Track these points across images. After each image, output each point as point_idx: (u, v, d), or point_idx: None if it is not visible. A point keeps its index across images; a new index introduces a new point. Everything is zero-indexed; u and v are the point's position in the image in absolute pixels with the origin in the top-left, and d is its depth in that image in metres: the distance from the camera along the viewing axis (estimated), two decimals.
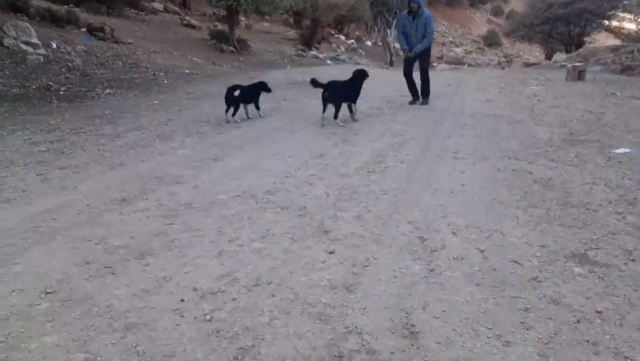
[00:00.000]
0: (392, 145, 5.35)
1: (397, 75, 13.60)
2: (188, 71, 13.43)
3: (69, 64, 11.65)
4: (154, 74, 12.58)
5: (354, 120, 6.66)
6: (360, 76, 6.70)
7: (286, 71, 15.22)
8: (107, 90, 9.71)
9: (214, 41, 18.70)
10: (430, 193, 3.81)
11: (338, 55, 23.74)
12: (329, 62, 20.99)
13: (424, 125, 6.42)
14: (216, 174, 4.28)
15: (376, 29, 25.88)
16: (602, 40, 28.56)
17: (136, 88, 10.56)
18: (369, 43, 33.03)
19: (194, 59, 15.91)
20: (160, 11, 23.56)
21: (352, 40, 32.12)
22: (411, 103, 8.17)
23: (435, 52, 40.04)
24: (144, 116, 7.10)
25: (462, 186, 3.98)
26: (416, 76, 8.15)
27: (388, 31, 23.22)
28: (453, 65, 31.74)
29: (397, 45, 35.87)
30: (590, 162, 4.64)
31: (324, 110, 6.41)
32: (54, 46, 12.64)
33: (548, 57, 27.14)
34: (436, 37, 50.25)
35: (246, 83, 11.76)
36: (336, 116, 6.40)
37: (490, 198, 3.70)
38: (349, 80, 6.72)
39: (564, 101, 8.07)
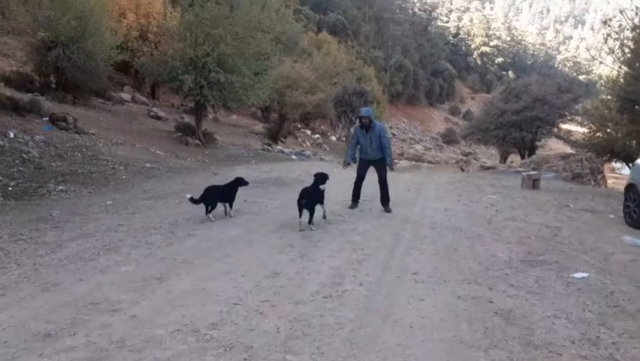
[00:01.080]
0: (351, 261, 5.17)
1: None
2: (149, 165, 13.26)
3: (24, 155, 11.31)
4: (113, 167, 12.34)
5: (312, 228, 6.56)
6: (322, 179, 7.22)
7: (250, 166, 15.28)
8: (60, 186, 9.35)
9: (179, 134, 18.83)
10: (389, 328, 3.58)
11: (303, 150, 24.28)
12: (294, 157, 21.37)
13: (384, 237, 6.32)
14: (159, 299, 3.94)
15: (340, 126, 26.88)
16: (553, 145, 30.49)
17: (92, 184, 10.23)
18: (334, 138, 34.18)
19: (158, 151, 15.83)
20: (127, 101, 23.85)
21: (318, 135, 33.17)
22: (351, 207, 8.27)
23: (396, 148, 41.77)
24: (94, 219, 6.75)
25: (422, 318, 3.77)
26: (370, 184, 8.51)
27: (352, 129, 24.05)
28: (413, 162, 32.92)
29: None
30: (549, 288, 4.56)
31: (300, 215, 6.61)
32: (11, 135, 12.35)
33: (503, 159, 28.59)
34: (396, 133, 52.89)
35: (208, 180, 11.78)
36: (310, 221, 6.61)
37: (450, 335, 3.50)
38: (313, 184, 7.14)
39: (521, 213, 8.23)
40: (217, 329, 3.44)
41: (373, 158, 8.08)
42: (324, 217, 7.11)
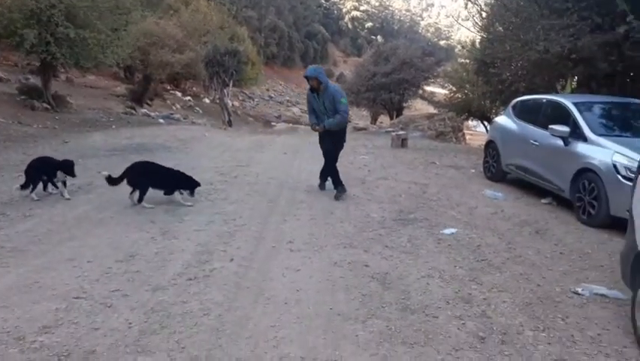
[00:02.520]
0: (222, 235, 4.71)
1: (235, 140, 13.20)
2: None
3: None
4: None
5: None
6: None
7: (110, 132, 13.74)
8: None
9: (24, 97, 16.30)
10: (261, 307, 3.23)
11: (172, 113, 22.69)
12: (161, 120, 19.81)
13: (259, 205, 5.94)
14: None
15: (213, 87, 25.53)
16: (418, 106, 32.37)
17: None
18: (207, 100, 32.58)
19: None
20: None
21: (189, 98, 31.33)
22: (319, 187, 6.90)
23: (273, 111, 41.32)
24: None
25: (297, 292, 3.49)
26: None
27: (225, 91, 23.01)
28: (290, 125, 32.85)
29: (236, 104, 36.12)
30: (422, 247, 4.57)
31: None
32: None
33: (374, 120, 29.68)
34: (273, 96, 52.28)
35: (56, 149, 10.29)
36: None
37: (327, 308, 3.26)
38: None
39: (392, 172, 8.38)
40: (50, 332, 2.78)
41: (331, 124, 6.40)
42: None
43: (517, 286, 3.77)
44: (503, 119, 8.54)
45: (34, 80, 18.29)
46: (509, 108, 8.48)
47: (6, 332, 2.78)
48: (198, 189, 6.07)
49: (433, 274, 3.92)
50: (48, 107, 16.28)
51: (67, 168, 5.89)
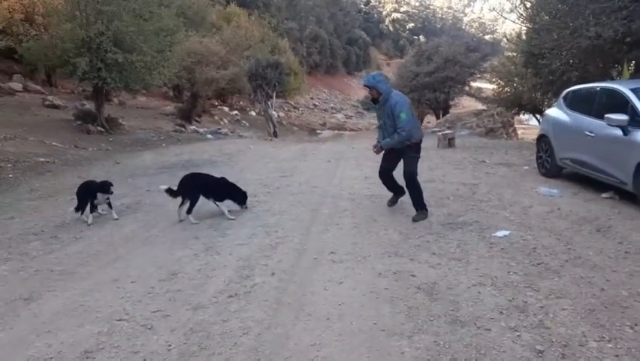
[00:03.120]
0: (263, 248, 4.65)
1: (279, 151, 13.27)
2: (42, 160, 11.86)
3: None
4: None
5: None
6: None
7: (160, 151, 14.18)
8: None
9: (80, 122, 17.15)
10: (302, 324, 3.11)
11: (220, 128, 23.21)
12: (210, 136, 20.30)
13: (302, 215, 5.85)
14: (22, 326, 3.21)
15: (258, 101, 25.94)
16: (465, 103, 31.50)
17: None
18: (253, 113, 33.17)
19: (54, 143, 14.26)
20: (18, 91, 21.42)
21: (236, 112, 31.98)
22: (391, 203, 6.05)
23: (318, 119, 41.43)
24: None
25: (340, 306, 3.35)
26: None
27: (269, 103, 23.27)
28: (336, 131, 32.84)
29: (281, 114, 36.53)
30: (472, 252, 4.31)
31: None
32: None
33: (420, 120, 29.13)
34: (317, 104, 52.50)
35: (109, 170, 10.69)
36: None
37: (371, 323, 3.10)
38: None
39: (439, 173, 8.09)
40: (91, 357, 2.79)
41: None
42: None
43: (578, 292, 3.45)
44: (555, 112, 8.06)
45: (89, 105, 19.20)
46: (560, 99, 7.99)
47: (49, 358, 2.81)
48: None
49: (485, 282, 3.67)
50: (102, 130, 17.04)
51: (104, 188, 5.99)
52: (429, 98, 25.43)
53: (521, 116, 22.09)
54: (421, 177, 7.75)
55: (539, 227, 4.99)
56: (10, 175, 10.06)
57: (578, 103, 7.35)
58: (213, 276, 3.99)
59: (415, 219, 5.38)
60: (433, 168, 8.67)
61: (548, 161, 7.64)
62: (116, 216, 6.04)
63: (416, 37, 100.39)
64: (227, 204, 5.93)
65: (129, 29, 15.40)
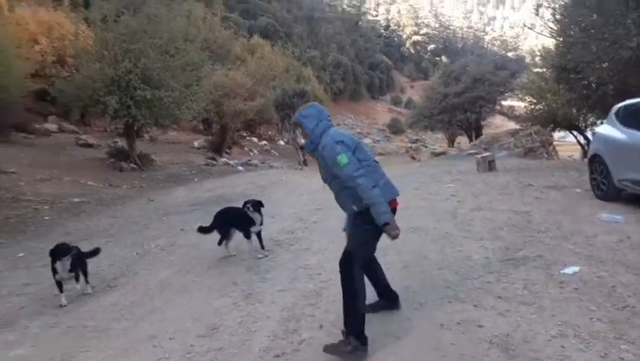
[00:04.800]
0: (307, 294, 4.29)
1: (311, 181, 12.97)
2: (77, 200, 11.89)
3: None
4: (36, 208, 10.94)
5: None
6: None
7: (192, 186, 14.10)
8: None
9: (113, 160, 17.36)
10: None
11: (250, 160, 23.21)
12: (240, 168, 20.26)
13: None
14: None
15: (286, 130, 26.01)
16: (498, 122, 30.82)
17: (7, 232, 8.88)
18: (282, 142, 33.24)
19: (89, 182, 14.39)
20: (54, 132, 21.97)
21: (265, 142, 32.12)
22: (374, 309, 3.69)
23: None
24: None
25: None
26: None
27: (297, 131, 23.13)
28: None
29: None
30: (543, 294, 3.84)
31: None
32: None
33: (451, 142, 28.58)
34: (359, 131, 52.67)
35: (143, 208, 10.58)
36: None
37: None
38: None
39: (485, 200, 7.61)
40: None
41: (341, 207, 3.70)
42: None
43: None
44: (607, 129, 7.53)
45: (122, 143, 19.47)
46: (612, 115, 7.46)
47: None
48: (281, 237, 5.87)
49: (566, 332, 3.20)
50: (135, 166, 17.19)
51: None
52: (460, 118, 24.94)
53: (557, 133, 21.38)
54: (467, 205, 7.34)
55: (612, 260, 4.48)
56: (47, 217, 10.07)
57: (632, 118, 6.82)
58: (256, 330, 3.65)
59: (325, 349, 3.16)
60: (478, 194, 8.18)
61: (604, 183, 7.08)
62: (264, 254, 5.65)
63: (438, 58, 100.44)
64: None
65: (156, 65, 15.65)
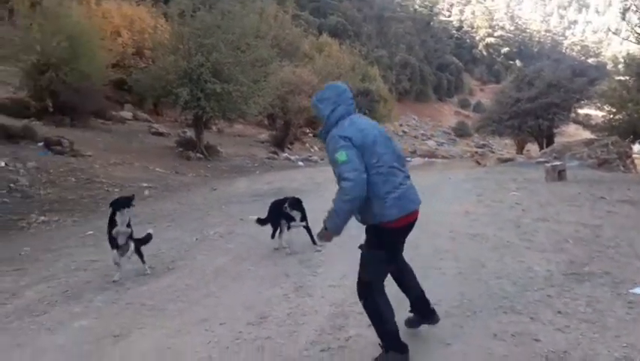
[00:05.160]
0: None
1: None
2: (145, 185, 12.53)
3: (11, 185, 10.66)
4: (107, 190, 11.65)
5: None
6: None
7: (253, 177, 14.46)
8: (42, 217, 8.61)
9: (181, 149, 18.14)
10: None
11: (310, 156, 23.45)
12: (300, 163, 20.52)
13: None
14: None
15: None
16: (571, 131, 29.21)
17: (80, 211, 9.51)
18: None
19: (157, 169, 15.11)
20: (128, 120, 23.23)
21: None
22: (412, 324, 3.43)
23: (407, 146, 40.57)
24: (66, 256, 5.96)
25: None
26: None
27: None
28: (427, 158, 31.83)
29: None
30: (608, 313, 3.60)
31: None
32: (2, 164, 11.75)
33: (520, 149, 27.40)
34: (407, 131, 51.83)
35: (206, 197, 10.99)
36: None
37: None
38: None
39: (552, 211, 7.23)
40: None
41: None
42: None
43: None
44: None
45: (190, 133, 20.30)
46: None
47: None
48: None
49: (632, 355, 2.98)
50: (201, 156, 17.86)
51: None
52: (531, 125, 23.86)
53: (636, 146, 19.95)
54: (531, 215, 7.00)
55: None
56: None
57: None
58: (304, 323, 3.67)
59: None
60: (544, 204, 7.80)
61: None
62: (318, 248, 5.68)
63: (512, 61, 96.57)
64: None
65: (227, 60, 16.16)
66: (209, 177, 15.11)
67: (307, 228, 5.80)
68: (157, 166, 15.42)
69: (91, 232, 7.27)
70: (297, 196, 5.97)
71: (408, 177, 3.08)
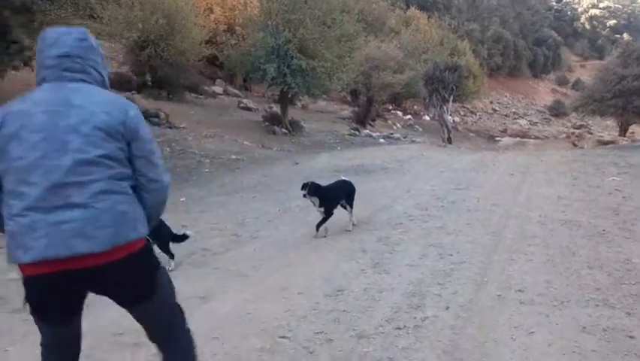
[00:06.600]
0: (436, 273, 4.19)
1: (454, 159, 12.53)
2: (234, 157, 13.08)
3: None
4: (199, 161, 12.30)
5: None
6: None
7: (334, 153, 14.55)
8: None
9: (267, 123, 18.66)
10: None
11: (392, 133, 23.08)
12: (382, 140, 20.27)
13: (481, 238, 5.21)
14: (194, 328, 3.30)
15: (433, 105, 25.19)
16: None
17: (173, 179, 10.05)
18: (427, 118, 32.39)
19: (245, 142, 15.69)
20: (219, 94, 24.21)
21: (409, 116, 31.61)
22: None
23: (497, 125, 38.58)
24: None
25: None
26: None
27: (445, 107, 22.35)
28: (518, 138, 30.15)
29: (457, 119, 35.00)
30: None
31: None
32: None
33: (623, 131, 25.01)
34: (497, 108, 49.48)
35: (288, 170, 11.30)
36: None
37: None
38: None
39: None
40: None
41: None
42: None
43: None
44: None
45: (276, 108, 20.76)
46: None
47: None
48: (414, 213, 5.84)
49: None
50: (286, 131, 18.26)
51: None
52: (637, 105, 21.65)
53: None
54: (634, 202, 6.42)
55: None
56: (207, 170, 11.25)
57: None
58: (380, 299, 3.69)
59: None
60: None
61: None
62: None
63: (618, 35, 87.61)
64: None
65: (313, 36, 16.20)
66: (292, 152, 15.43)
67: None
68: (245, 139, 16.01)
69: (183, 199, 7.75)
70: (315, 181, 5.69)
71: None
